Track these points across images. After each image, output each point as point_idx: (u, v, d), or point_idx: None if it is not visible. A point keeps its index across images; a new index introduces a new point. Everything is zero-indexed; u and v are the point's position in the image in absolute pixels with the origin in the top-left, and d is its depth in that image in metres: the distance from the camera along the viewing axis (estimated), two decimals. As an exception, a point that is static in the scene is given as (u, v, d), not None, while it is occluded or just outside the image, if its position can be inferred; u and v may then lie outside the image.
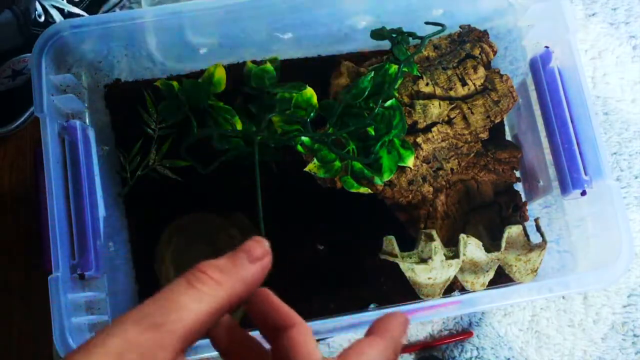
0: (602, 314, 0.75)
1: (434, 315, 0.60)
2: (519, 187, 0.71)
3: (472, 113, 0.63)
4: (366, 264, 0.69)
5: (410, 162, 0.61)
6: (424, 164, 0.62)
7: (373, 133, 0.61)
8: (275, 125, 0.63)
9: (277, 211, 0.65)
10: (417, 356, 0.73)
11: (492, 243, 0.64)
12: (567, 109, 0.62)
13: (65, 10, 0.72)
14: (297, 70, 0.71)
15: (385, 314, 0.34)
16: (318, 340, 0.67)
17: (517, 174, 0.71)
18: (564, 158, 0.62)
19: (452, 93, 0.64)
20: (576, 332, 0.75)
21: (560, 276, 0.62)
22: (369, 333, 0.33)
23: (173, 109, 0.67)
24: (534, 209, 0.72)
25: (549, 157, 0.66)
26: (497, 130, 0.71)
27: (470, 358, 0.73)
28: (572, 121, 0.62)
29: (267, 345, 0.34)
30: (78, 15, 0.73)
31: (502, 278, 0.63)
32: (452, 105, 0.63)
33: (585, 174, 0.61)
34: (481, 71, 0.64)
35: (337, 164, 0.61)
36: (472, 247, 0.60)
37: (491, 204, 0.68)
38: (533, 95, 0.67)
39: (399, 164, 0.61)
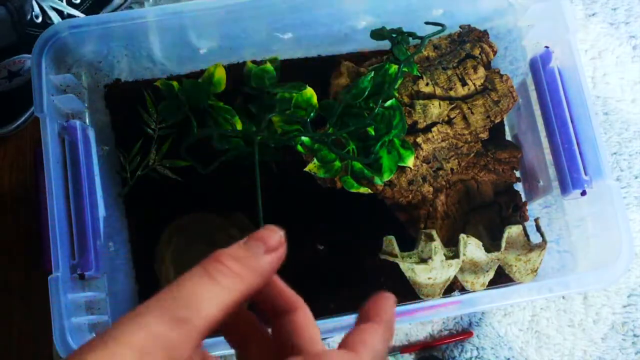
0: (602, 314, 0.75)
1: (434, 315, 0.60)
2: (519, 187, 0.71)
3: (472, 113, 0.63)
4: (366, 264, 0.69)
5: (410, 162, 0.61)
6: (424, 164, 0.62)
7: (373, 133, 0.61)
8: (275, 125, 0.63)
9: (277, 211, 0.65)
10: (417, 356, 0.73)
11: (492, 243, 0.64)
12: (567, 109, 0.62)
13: (65, 13, 0.72)
14: (297, 70, 0.71)
15: (375, 297, 0.34)
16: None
17: (517, 174, 0.71)
18: (564, 158, 0.62)
19: (452, 93, 0.64)
20: (576, 332, 0.75)
21: (560, 276, 0.62)
22: (364, 318, 0.33)
23: (173, 109, 0.67)
24: (534, 209, 0.71)
25: (549, 157, 0.66)
26: (497, 130, 0.71)
27: (470, 358, 0.73)
28: (572, 121, 0.62)
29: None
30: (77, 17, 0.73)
31: (502, 278, 0.63)
32: (452, 105, 0.63)
33: (585, 174, 0.61)
34: (481, 71, 0.64)
35: (337, 164, 0.61)
36: (472, 247, 0.60)
37: (491, 204, 0.68)
38: (533, 95, 0.67)
39: (399, 164, 0.61)
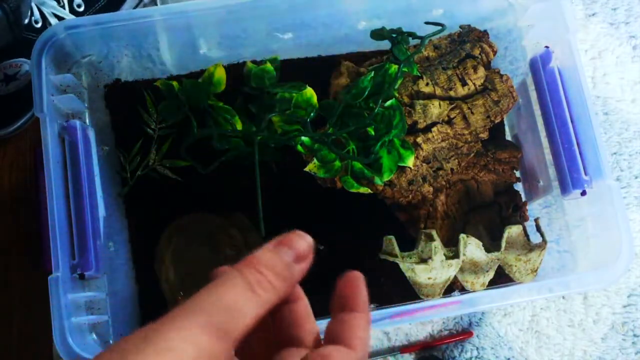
0: (602, 314, 0.75)
1: (434, 315, 0.60)
2: (519, 187, 0.71)
3: (472, 113, 0.63)
4: (366, 264, 0.69)
5: (410, 162, 0.61)
6: (424, 164, 0.62)
7: (373, 133, 0.61)
8: (275, 125, 0.63)
9: (277, 211, 0.65)
10: (417, 356, 0.73)
11: (492, 243, 0.64)
12: (567, 109, 0.62)
13: (66, 19, 0.72)
14: (297, 70, 0.71)
15: (350, 280, 0.35)
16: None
17: (517, 174, 0.71)
18: (564, 158, 0.62)
19: (452, 93, 0.64)
20: (576, 332, 0.75)
21: (560, 276, 0.62)
22: (346, 307, 0.34)
23: (173, 109, 0.67)
24: (534, 209, 0.71)
25: (549, 157, 0.66)
26: (497, 130, 0.71)
27: (470, 358, 0.73)
28: (572, 121, 0.62)
29: None
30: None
31: (502, 278, 0.63)
32: (452, 105, 0.63)
33: (585, 174, 0.61)
34: (481, 71, 0.64)
35: (337, 164, 0.61)
36: (472, 247, 0.60)
37: (491, 204, 0.68)
38: (533, 95, 0.67)
39: (399, 164, 0.61)
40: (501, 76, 0.64)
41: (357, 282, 0.35)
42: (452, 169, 0.64)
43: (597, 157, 0.61)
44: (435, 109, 0.62)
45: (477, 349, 0.73)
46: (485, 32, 0.67)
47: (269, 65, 0.67)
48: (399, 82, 0.63)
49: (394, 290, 0.67)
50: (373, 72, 0.61)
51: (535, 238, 0.62)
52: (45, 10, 0.72)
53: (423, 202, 0.65)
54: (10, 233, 0.74)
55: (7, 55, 0.71)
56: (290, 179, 0.69)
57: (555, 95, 0.63)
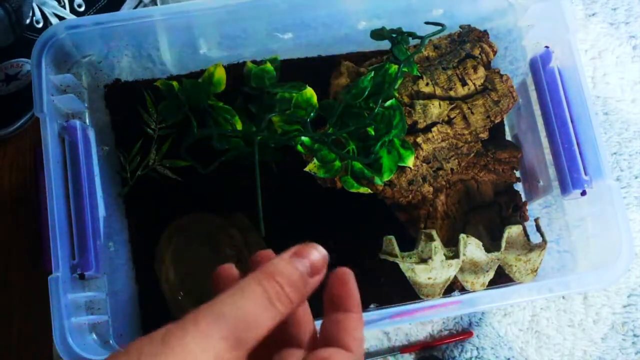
0: (602, 314, 0.75)
1: (434, 315, 0.60)
2: (519, 187, 0.71)
3: (472, 113, 0.63)
4: (366, 264, 0.69)
5: (410, 162, 0.61)
6: (424, 164, 0.62)
7: (373, 133, 0.61)
8: (275, 125, 0.63)
9: (277, 211, 0.65)
10: (417, 356, 0.73)
11: (492, 243, 0.64)
12: (567, 109, 0.62)
13: (66, 20, 0.72)
14: (297, 70, 0.71)
15: (342, 278, 0.35)
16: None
17: (517, 174, 0.71)
18: (564, 158, 0.62)
19: (452, 93, 0.64)
20: (576, 332, 0.75)
21: (560, 276, 0.62)
22: (342, 307, 0.34)
23: (173, 109, 0.67)
24: (534, 209, 0.71)
25: (549, 157, 0.66)
26: (497, 130, 0.71)
27: (470, 358, 0.73)
28: (572, 121, 0.62)
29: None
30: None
31: (502, 278, 0.63)
32: (452, 105, 0.63)
33: (585, 174, 0.61)
34: (481, 71, 0.64)
35: (337, 164, 0.61)
36: (472, 247, 0.60)
37: (491, 204, 0.68)
38: (533, 95, 0.67)
39: (399, 164, 0.61)
40: (501, 76, 0.64)
41: (349, 281, 0.35)
42: (452, 169, 0.64)
43: (597, 157, 0.61)
44: (435, 109, 0.62)
45: (477, 349, 0.73)
46: (485, 32, 0.67)
47: (269, 65, 0.67)
48: (399, 82, 0.63)
49: (394, 290, 0.67)
50: (373, 72, 0.61)
51: (535, 238, 0.62)
52: (46, 11, 0.72)
53: (423, 202, 0.65)
54: (10, 233, 0.74)
55: (9, 55, 0.71)
56: (290, 179, 0.69)
57: (555, 95, 0.63)
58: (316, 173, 0.61)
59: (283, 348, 0.34)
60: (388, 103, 0.61)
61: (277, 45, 0.71)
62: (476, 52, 0.65)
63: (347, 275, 0.35)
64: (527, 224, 0.66)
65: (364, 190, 0.62)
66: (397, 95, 0.62)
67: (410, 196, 0.63)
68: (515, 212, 0.68)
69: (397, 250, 0.61)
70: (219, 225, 0.68)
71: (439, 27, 0.64)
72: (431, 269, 0.59)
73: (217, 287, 0.35)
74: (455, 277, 0.61)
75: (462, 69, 0.64)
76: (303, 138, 0.61)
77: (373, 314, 0.57)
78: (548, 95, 0.63)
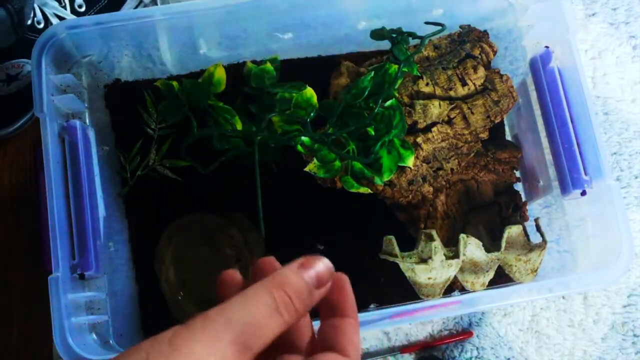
0: (602, 314, 0.75)
1: (434, 315, 0.60)
2: (519, 187, 0.71)
3: (472, 113, 0.63)
4: (366, 264, 0.69)
5: (410, 162, 0.61)
6: (424, 164, 0.62)
7: (373, 133, 0.61)
8: (275, 125, 0.63)
9: (277, 211, 0.65)
10: (417, 356, 0.73)
11: (492, 243, 0.64)
12: (567, 109, 0.62)
13: (66, 20, 0.72)
14: (297, 70, 0.71)
15: (339, 284, 0.36)
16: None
17: (517, 174, 0.71)
18: (564, 158, 0.62)
19: (452, 93, 0.64)
20: (576, 332, 0.75)
21: (560, 276, 0.62)
22: (337, 312, 0.35)
23: (173, 109, 0.67)
24: (534, 209, 0.71)
25: (549, 157, 0.66)
26: (497, 130, 0.71)
27: (470, 358, 0.73)
28: (572, 121, 0.62)
29: None
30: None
31: (502, 278, 0.63)
32: (452, 105, 0.63)
33: (585, 174, 0.61)
34: (481, 71, 0.64)
35: (337, 164, 0.61)
36: (472, 247, 0.60)
37: (491, 204, 0.68)
38: (533, 95, 0.67)
39: (399, 164, 0.61)
40: (501, 76, 0.64)
41: (345, 286, 0.36)
42: (452, 169, 0.64)
43: (597, 157, 0.61)
44: (435, 109, 0.62)
45: (477, 349, 0.73)
46: (485, 32, 0.67)
47: (269, 65, 0.67)
48: (399, 82, 0.63)
49: (394, 290, 0.67)
50: (373, 72, 0.61)
51: (535, 238, 0.62)
52: (47, 11, 0.72)
53: (423, 202, 0.65)
54: (10, 233, 0.74)
55: (10, 55, 0.71)
56: (290, 179, 0.69)
57: (555, 95, 0.63)
58: (316, 173, 0.61)
59: (282, 354, 0.34)
60: (388, 103, 0.61)
61: (277, 45, 0.71)
62: (476, 52, 0.65)
63: (343, 280, 0.36)
64: (527, 224, 0.66)
65: (364, 190, 0.62)
66: (397, 95, 0.62)
67: (410, 196, 0.63)
68: (515, 212, 0.68)
69: (397, 250, 0.61)
70: (219, 225, 0.68)
71: (439, 27, 0.64)
72: (431, 269, 0.59)
73: (221, 292, 0.36)
74: (455, 277, 0.61)
75: (462, 69, 0.64)
76: (303, 138, 0.61)
77: (373, 314, 0.57)
78: (548, 95, 0.63)
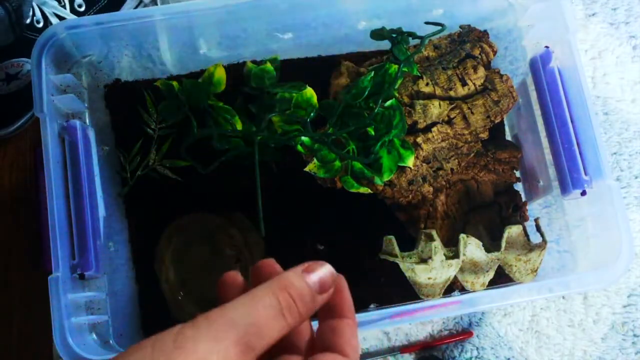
0: (602, 314, 0.75)
1: (434, 315, 0.60)
2: (519, 187, 0.71)
3: (472, 113, 0.63)
4: (366, 264, 0.69)
5: (410, 162, 0.61)
6: (424, 164, 0.62)
7: (373, 133, 0.61)
8: (275, 125, 0.63)
9: (277, 211, 0.65)
10: (417, 356, 0.73)
11: (492, 243, 0.64)
12: (567, 109, 0.62)
13: (66, 19, 0.72)
14: (297, 70, 0.71)
15: (336, 288, 0.36)
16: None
17: (517, 174, 0.71)
18: (564, 158, 0.62)
19: (452, 93, 0.64)
20: (576, 332, 0.75)
21: (560, 276, 0.62)
22: (336, 314, 0.35)
23: (173, 109, 0.67)
24: (534, 209, 0.71)
25: (549, 157, 0.66)
26: (497, 130, 0.71)
27: (470, 358, 0.73)
28: (572, 121, 0.62)
29: None
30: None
31: (502, 278, 0.63)
32: (452, 105, 0.63)
33: (585, 174, 0.61)
34: (481, 71, 0.64)
35: (337, 164, 0.61)
36: (472, 247, 0.60)
37: (491, 204, 0.68)
38: (533, 95, 0.67)
39: (399, 164, 0.61)
40: (501, 76, 0.64)
41: (343, 287, 0.36)
42: (452, 169, 0.64)
43: (597, 157, 0.61)
44: (435, 109, 0.62)
45: (477, 349, 0.73)
46: (485, 32, 0.67)
47: (269, 65, 0.67)
48: (399, 82, 0.63)
49: (394, 290, 0.67)
50: (373, 72, 0.61)
51: (535, 238, 0.62)
52: (47, 10, 0.72)
53: (423, 202, 0.65)
54: (10, 233, 0.74)
55: (9, 54, 0.71)
56: (290, 179, 0.69)
57: (555, 95, 0.63)
58: (316, 173, 0.61)
59: (281, 354, 0.34)
60: (388, 103, 0.61)
61: (277, 45, 0.71)
62: (476, 52, 0.65)
63: (341, 281, 0.36)
64: (527, 224, 0.66)
65: (364, 190, 0.62)
66: (397, 95, 0.62)
67: (410, 196, 0.63)
68: (515, 212, 0.68)
69: (397, 250, 0.61)
70: (219, 225, 0.68)
71: (439, 27, 0.64)
72: (431, 269, 0.59)
73: (222, 294, 0.36)
74: (455, 277, 0.61)
75: (462, 69, 0.64)
76: (303, 138, 0.61)
77: (373, 314, 0.57)
78: (548, 95, 0.63)
